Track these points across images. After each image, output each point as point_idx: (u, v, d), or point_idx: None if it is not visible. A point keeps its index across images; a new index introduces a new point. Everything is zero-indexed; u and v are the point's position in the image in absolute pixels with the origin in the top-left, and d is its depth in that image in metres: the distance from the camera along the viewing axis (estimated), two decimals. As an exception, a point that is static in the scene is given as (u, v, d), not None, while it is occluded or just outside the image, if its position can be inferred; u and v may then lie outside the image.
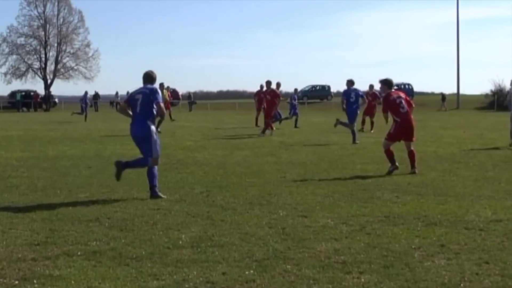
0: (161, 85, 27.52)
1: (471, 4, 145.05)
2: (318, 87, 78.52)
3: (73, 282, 5.43)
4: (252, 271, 5.70)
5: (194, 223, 7.76)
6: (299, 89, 43.02)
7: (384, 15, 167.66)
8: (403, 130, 12.50)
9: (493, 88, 67.79)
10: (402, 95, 12.89)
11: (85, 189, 10.61)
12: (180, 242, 6.78)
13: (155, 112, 9.96)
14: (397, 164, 12.34)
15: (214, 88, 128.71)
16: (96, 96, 67.64)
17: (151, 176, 9.82)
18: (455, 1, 70.72)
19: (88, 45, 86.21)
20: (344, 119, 21.20)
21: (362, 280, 5.45)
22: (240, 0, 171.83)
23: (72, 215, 8.25)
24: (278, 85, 26.03)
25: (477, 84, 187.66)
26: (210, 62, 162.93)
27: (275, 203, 9.14)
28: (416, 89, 77.94)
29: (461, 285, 5.31)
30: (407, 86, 71.26)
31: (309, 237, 6.99)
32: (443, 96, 66.98)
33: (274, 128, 25.72)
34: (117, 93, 73.72)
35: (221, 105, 73.47)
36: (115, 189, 10.53)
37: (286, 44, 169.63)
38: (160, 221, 7.87)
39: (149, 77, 10.22)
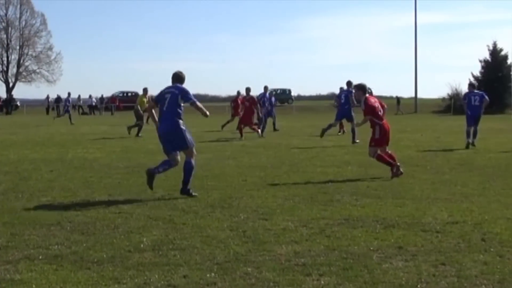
0: (145, 90, 27.65)
1: (428, 9, 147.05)
2: (279, 91, 78.77)
3: (34, 286, 5.43)
4: (213, 274, 5.75)
5: (155, 227, 7.78)
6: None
7: (344, 20, 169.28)
8: (386, 134, 12.59)
9: (450, 92, 68.80)
10: (376, 99, 13.03)
11: (47, 192, 10.54)
12: (142, 246, 6.79)
13: (181, 111, 10.25)
14: (398, 163, 12.44)
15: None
16: (58, 99, 66.88)
17: (187, 170, 10.15)
18: (413, 7, 71.66)
19: (50, 48, 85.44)
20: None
21: (322, 282, 5.53)
22: (201, 5, 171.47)
23: (33, 219, 8.20)
24: (248, 90, 26.33)
25: (435, 88, 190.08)
26: (170, 66, 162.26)
27: (236, 206, 9.20)
28: (375, 92, 78.50)
29: (418, 286, 5.42)
30: (369, 90, 71.95)
31: (269, 240, 7.06)
32: (398, 100, 67.61)
33: (261, 134, 25.45)
34: (79, 96, 72.96)
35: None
36: (76, 192, 10.50)
37: (246, 48, 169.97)
38: (121, 225, 7.88)
39: (178, 77, 10.62)
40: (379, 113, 12.55)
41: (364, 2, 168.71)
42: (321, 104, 72.37)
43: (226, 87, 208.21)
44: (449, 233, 7.35)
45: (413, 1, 72.39)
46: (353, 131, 21.31)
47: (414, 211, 8.75)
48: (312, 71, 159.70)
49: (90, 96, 71.69)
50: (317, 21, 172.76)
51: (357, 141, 20.64)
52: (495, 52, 65.49)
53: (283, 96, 78.11)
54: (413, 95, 73.80)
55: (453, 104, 63.93)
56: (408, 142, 22.18)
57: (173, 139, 10.15)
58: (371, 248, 6.67)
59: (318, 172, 13.32)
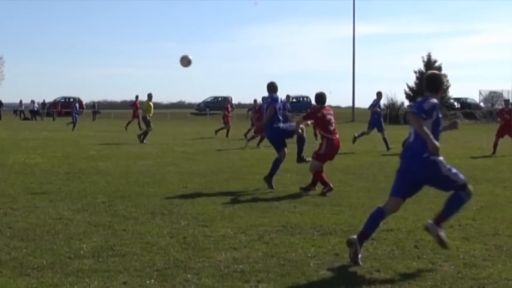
0: (149, 95, 27.33)
1: (367, 21, 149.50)
2: (220, 99, 78.81)
3: (-28, 293, 5.40)
4: (153, 281, 5.81)
5: (95, 233, 7.79)
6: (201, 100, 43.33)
7: (285, 30, 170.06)
8: (333, 151, 11.94)
9: (385, 102, 69.95)
10: (332, 112, 12.15)
11: (-14, 198, 10.39)
12: (82, 252, 6.81)
13: (280, 117, 12.17)
14: (331, 185, 11.57)
15: (118, 97, 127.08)
16: (0, 104, 65.61)
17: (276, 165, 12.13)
18: (352, 18, 72.73)
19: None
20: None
21: (260, 288, 5.65)
22: (147, 11, 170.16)
23: (-29, 225, 8.10)
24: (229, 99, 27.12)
25: (371, 97, 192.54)
26: (115, 72, 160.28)
27: (177, 213, 9.27)
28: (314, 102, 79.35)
29: (353, 292, 5.60)
30: (305, 99, 72.32)
31: (209, 247, 7.15)
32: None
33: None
34: (21, 101, 71.51)
35: (125, 115, 72.35)
36: (17, 198, 10.41)
37: (192, 55, 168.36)
38: (61, 231, 7.86)
39: (273, 87, 12.26)
40: (330, 127, 11.84)
41: (307, 13, 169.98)
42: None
43: (170, 94, 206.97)
44: (384, 240, 7.55)
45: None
46: (384, 140, 22.51)
47: (350, 218, 8.95)
48: (253, 79, 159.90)
49: (32, 101, 70.30)
50: (259, 30, 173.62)
51: (391, 147, 21.80)
52: (429, 63, 66.87)
53: (224, 104, 78.03)
54: (351, 104, 74.77)
55: (389, 114, 65.11)
56: (345, 150, 22.45)
57: (275, 142, 12.41)
58: (308, 255, 6.81)
59: (258, 179, 13.44)
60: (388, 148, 21.86)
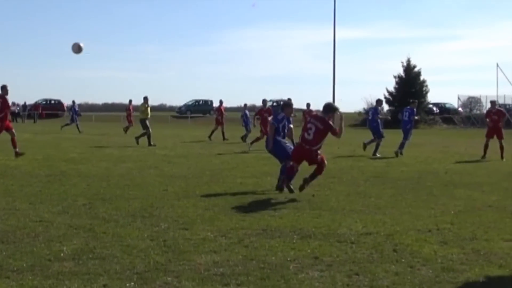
0: (145, 98, 27.41)
1: (348, 26, 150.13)
2: (201, 102, 78.85)
3: (-49, 295, 5.38)
4: (133, 283, 5.82)
5: (76, 235, 7.78)
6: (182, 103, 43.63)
7: (266, 34, 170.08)
8: (294, 153, 12.12)
9: (365, 107, 70.27)
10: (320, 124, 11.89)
11: (-36, 200, 10.33)
12: (62, 255, 6.80)
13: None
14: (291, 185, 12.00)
15: (99, 100, 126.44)
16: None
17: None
18: (333, 22, 73.09)
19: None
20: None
21: (240, 291, 5.70)
22: (127, 14, 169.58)
23: (-51, 228, 8.06)
24: (221, 102, 27.51)
25: (351, 102, 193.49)
26: (96, 75, 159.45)
27: (157, 215, 9.27)
28: (295, 105, 79.59)
29: (332, 295, 5.66)
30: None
31: (189, 250, 7.17)
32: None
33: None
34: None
35: (106, 117, 72.22)
36: (-5, 200, 10.35)
37: (173, 59, 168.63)
38: (42, 233, 7.84)
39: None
40: (305, 133, 11.80)
41: (288, 17, 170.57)
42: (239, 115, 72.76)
43: (150, 97, 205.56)
44: (363, 244, 7.60)
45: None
46: (377, 145, 22.58)
47: (330, 222, 9.00)
48: (235, 83, 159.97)
49: (13, 103, 69.74)
50: (242, 34, 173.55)
51: (378, 155, 21.95)
52: (409, 68, 67.26)
53: (205, 107, 78.17)
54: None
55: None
56: (325, 154, 22.62)
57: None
58: (288, 259, 6.84)
59: (238, 182, 13.51)
60: (374, 154, 21.99)
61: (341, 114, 12.37)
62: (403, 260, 6.86)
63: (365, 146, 22.86)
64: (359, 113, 71.45)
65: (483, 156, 21.27)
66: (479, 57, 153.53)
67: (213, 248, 7.29)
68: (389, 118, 39.52)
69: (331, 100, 73.33)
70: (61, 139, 29.69)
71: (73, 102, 43.27)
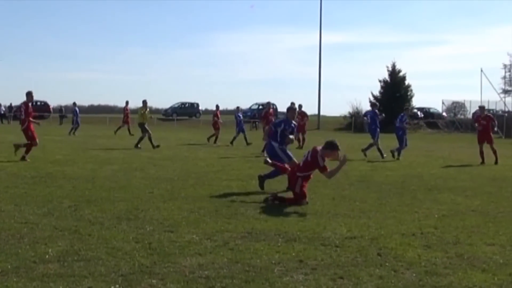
0: (144, 102, 27.61)
1: (334, 30, 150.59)
2: (187, 105, 78.80)
3: None
4: (118, 286, 5.82)
5: (61, 237, 7.77)
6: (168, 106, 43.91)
7: (252, 37, 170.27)
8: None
9: (351, 110, 70.60)
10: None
11: (-51, 202, 10.28)
12: (47, 256, 6.79)
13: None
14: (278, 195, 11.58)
15: (85, 102, 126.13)
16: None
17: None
18: (318, 27, 73.58)
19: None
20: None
21: (225, 293, 5.72)
22: (113, 16, 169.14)
23: None
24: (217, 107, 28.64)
25: (337, 106, 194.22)
26: (82, 77, 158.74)
27: (142, 218, 9.27)
28: (280, 109, 79.87)
29: (316, 298, 5.69)
30: (273, 106, 72.79)
31: (174, 252, 7.18)
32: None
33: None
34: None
35: (92, 119, 72.02)
36: (-20, 202, 10.30)
37: (159, 61, 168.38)
38: (27, 235, 7.82)
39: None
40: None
41: (276, 21, 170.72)
42: (226, 118, 72.76)
43: (136, 99, 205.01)
44: (347, 248, 7.64)
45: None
46: (369, 145, 23.79)
47: (315, 225, 9.04)
48: (222, 86, 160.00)
49: None
50: (229, 37, 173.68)
51: (385, 155, 23.06)
52: (394, 73, 67.69)
53: (191, 110, 78.22)
54: (316, 112, 75.25)
55: (354, 122, 65.74)
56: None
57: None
58: (273, 262, 6.87)
59: (223, 185, 13.53)
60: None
61: (345, 157, 12.06)
62: (387, 264, 6.90)
63: (380, 151, 23.49)
64: (344, 117, 71.74)
65: (482, 162, 21.45)
66: (463, 62, 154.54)
67: (198, 250, 7.30)
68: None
69: (317, 104, 73.73)
70: (47, 141, 29.45)
71: (74, 104, 43.01)
